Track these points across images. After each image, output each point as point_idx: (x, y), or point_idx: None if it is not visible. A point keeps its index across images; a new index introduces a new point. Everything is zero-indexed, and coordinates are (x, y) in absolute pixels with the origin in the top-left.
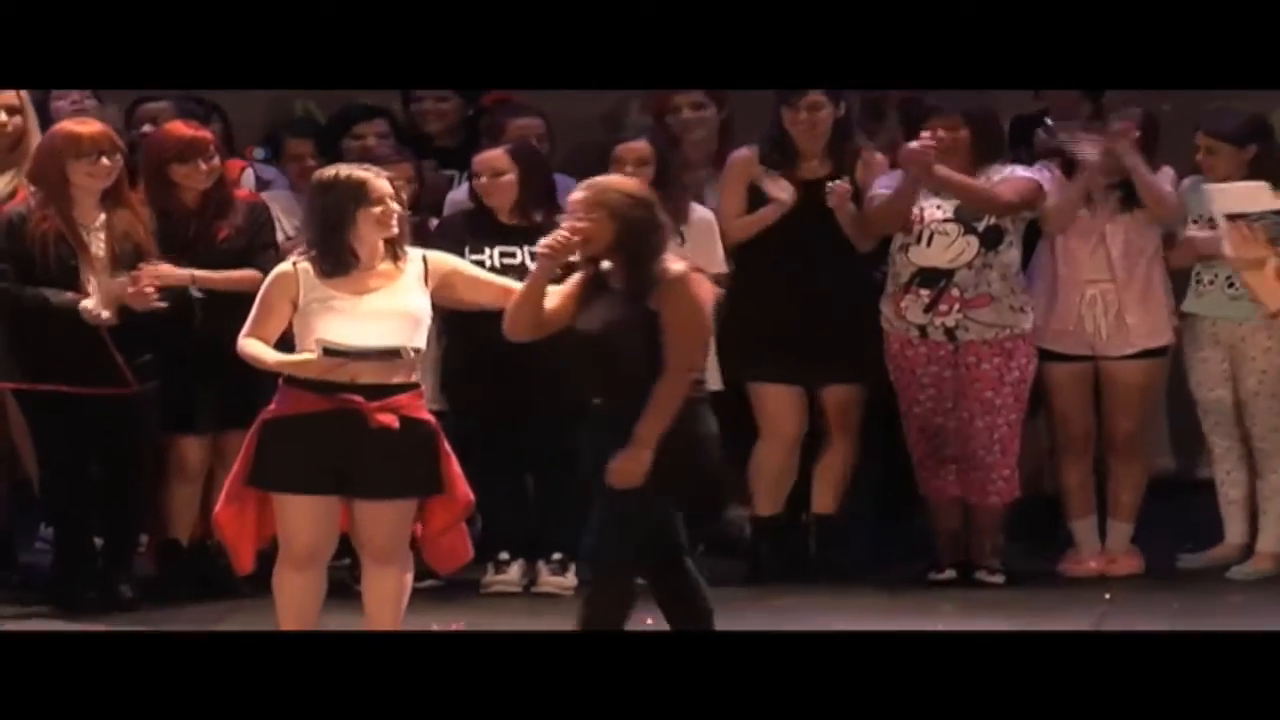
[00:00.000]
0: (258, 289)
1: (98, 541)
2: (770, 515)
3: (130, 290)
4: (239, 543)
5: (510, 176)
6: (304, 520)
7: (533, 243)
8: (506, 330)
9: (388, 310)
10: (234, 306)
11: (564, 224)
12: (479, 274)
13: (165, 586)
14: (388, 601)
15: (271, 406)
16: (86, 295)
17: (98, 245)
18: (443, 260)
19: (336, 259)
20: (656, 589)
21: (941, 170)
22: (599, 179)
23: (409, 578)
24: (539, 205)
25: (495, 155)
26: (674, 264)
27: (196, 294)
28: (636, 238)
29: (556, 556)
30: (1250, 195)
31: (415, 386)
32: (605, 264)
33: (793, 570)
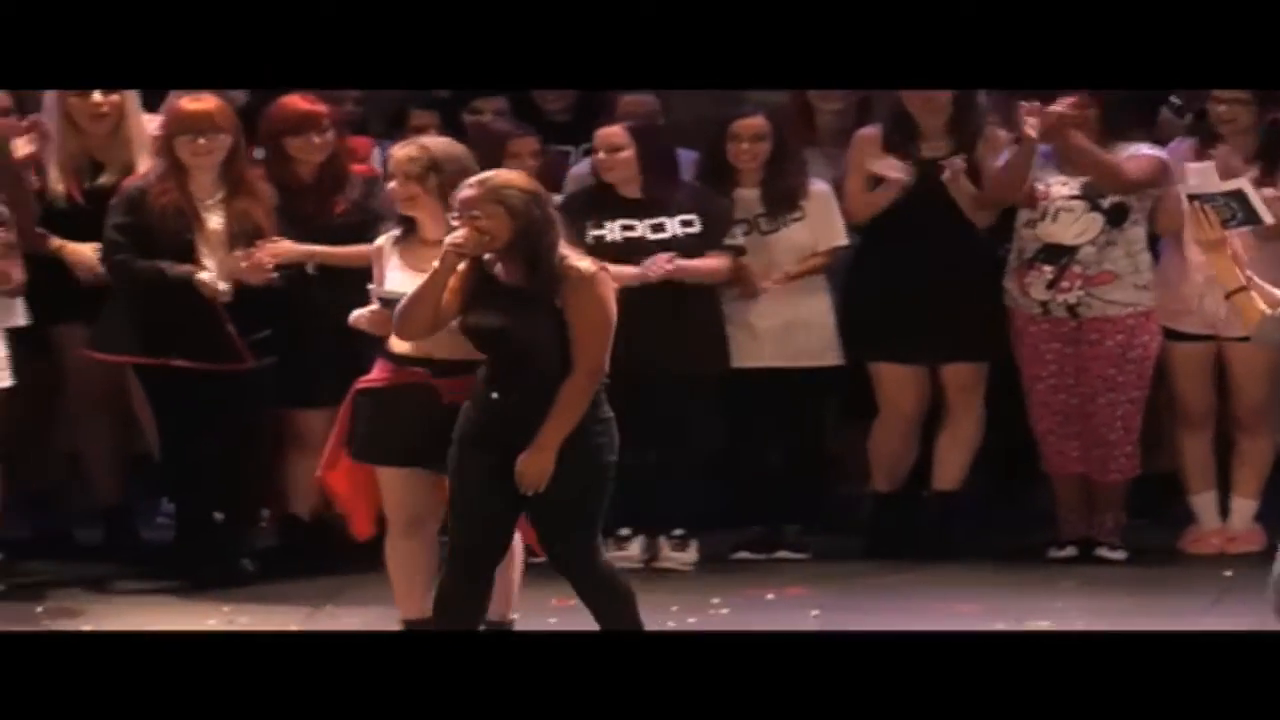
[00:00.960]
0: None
1: (218, 516)
2: (889, 492)
3: (245, 264)
4: (354, 506)
5: (628, 152)
6: (401, 490)
7: (653, 216)
8: (399, 329)
9: None
10: (351, 280)
11: (462, 221)
12: None
13: (286, 560)
14: (499, 573)
15: (367, 375)
16: (204, 269)
17: (215, 221)
18: None
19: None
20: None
21: (1077, 138)
22: (490, 174)
23: (518, 554)
24: (659, 179)
25: (614, 131)
26: (579, 261)
27: (311, 269)
28: (534, 234)
29: (678, 532)
30: (1205, 176)
31: None
32: (487, 258)
33: (912, 547)
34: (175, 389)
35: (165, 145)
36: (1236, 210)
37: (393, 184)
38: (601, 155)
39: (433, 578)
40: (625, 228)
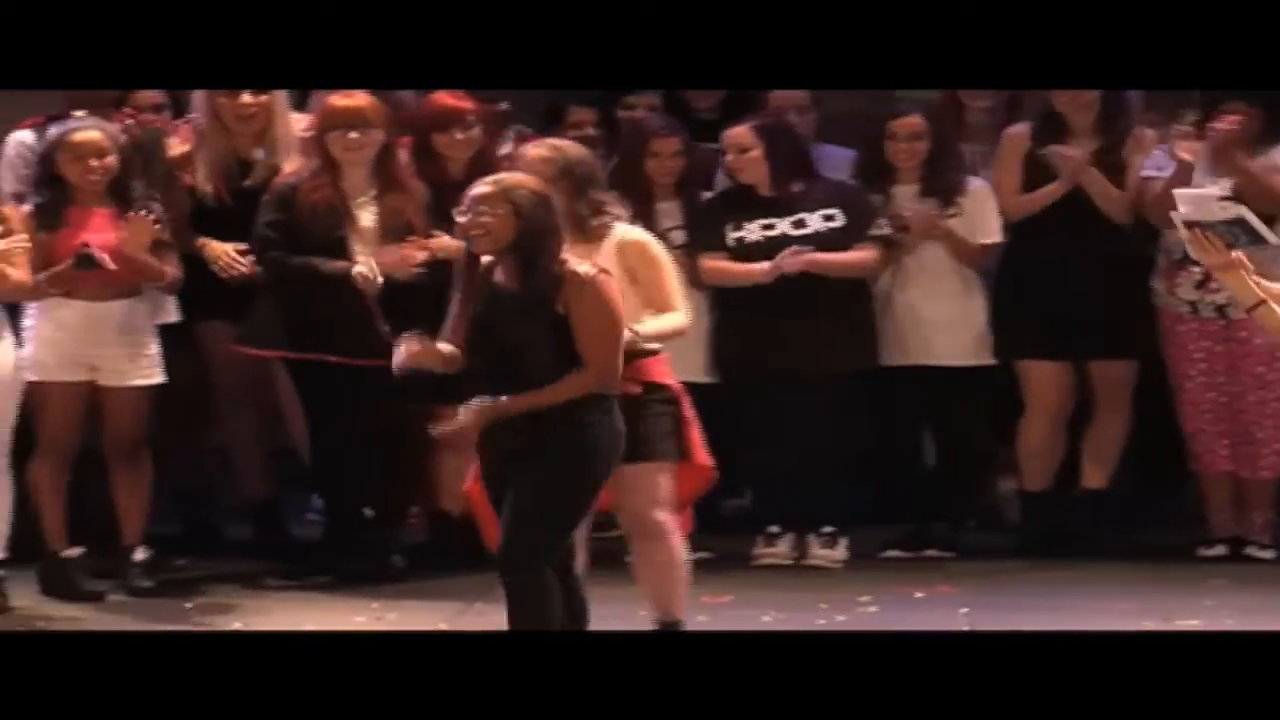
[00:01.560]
0: None
1: (368, 512)
2: (1038, 490)
3: (395, 256)
4: (488, 519)
5: (756, 152)
6: None
7: (793, 213)
8: None
9: None
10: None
11: (470, 218)
12: (653, 283)
13: (436, 557)
14: (658, 573)
15: None
16: (359, 264)
17: (367, 218)
18: (633, 247)
19: None
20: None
21: (1242, 161)
22: (504, 175)
23: (678, 549)
24: (792, 176)
25: (739, 132)
26: (579, 265)
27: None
28: (536, 237)
29: (827, 530)
30: (1202, 204)
31: (654, 353)
32: (486, 261)
33: (1061, 544)
34: (325, 385)
35: (317, 142)
36: (1240, 235)
37: None
38: (730, 156)
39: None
40: (765, 227)
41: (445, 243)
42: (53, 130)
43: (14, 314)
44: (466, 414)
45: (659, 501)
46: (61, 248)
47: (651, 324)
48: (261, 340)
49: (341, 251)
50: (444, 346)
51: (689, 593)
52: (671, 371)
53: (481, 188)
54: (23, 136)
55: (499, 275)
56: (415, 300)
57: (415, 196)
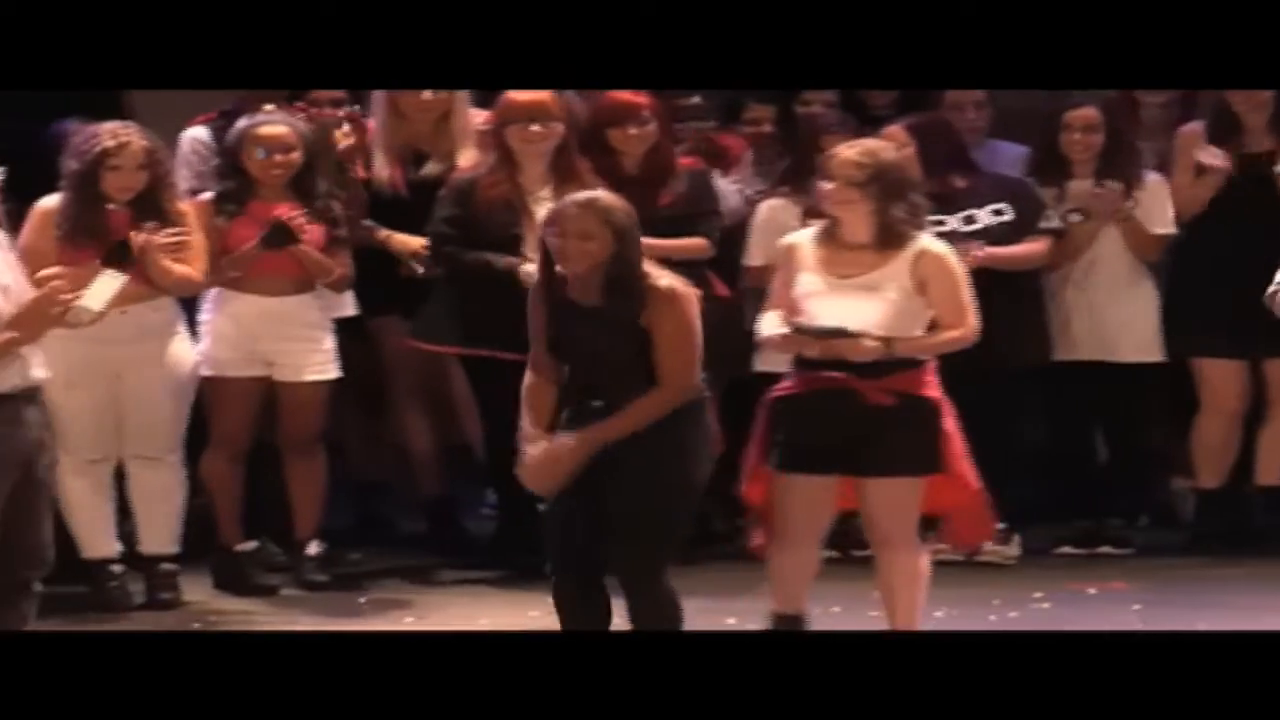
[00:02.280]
0: (701, 256)
1: (541, 507)
2: (1213, 487)
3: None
4: (768, 519)
5: (909, 150)
6: (800, 500)
7: (961, 208)
8: None
9: (859, 294)
10: (677, 273)
11: (565, 238)
12: (944, 297)
13: None
14: (898, 586)
15: (780, 385)
16: (529, 261)
17: (543, 213)
18: (931, 258)
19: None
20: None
21: None
22: (596, 195)
23: (921, 562)
24: (952, 172)
25: (893, 131)
26: (661, 279)
27: None
28: (628, 256)
29: (1000, 526)
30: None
31: (918, 364)
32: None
33: (1235, 542)
34: (499, 381)
35: (496, 135)
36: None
37: (830, 185)
38: None
39: (808, 590)
40: (935, 224)
41: None
42: (241, 122)
43: (189, 310)
44: (561, 449)
45: (901, 514)
46: (240, 237)
47: (932, 335)
48: (435, 336)
49: (517, 247)
50: (561, 442)
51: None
52: (937, 383)
53: (574, 209)
54: (196, 133)
55: (574, 290)
56: None
57: None
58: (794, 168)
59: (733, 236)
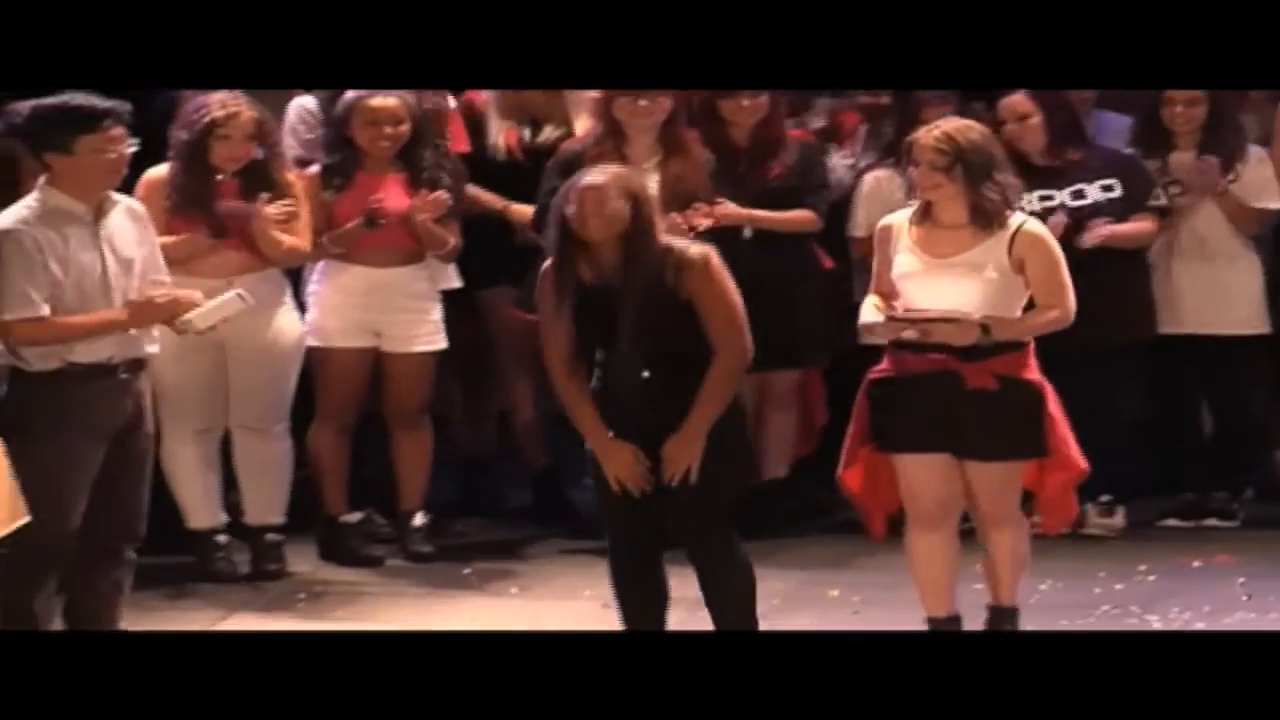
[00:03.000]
0: (808, 229)
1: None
2: None
3: (679, 219)
4: (869, 507)
5: (1036, 119)
6: (923, 479)
7: (1071, 183)
8: None
9: (957, 274)
10: (786, 245)
11: (590, 207)
12: (1042, 277)
13: None
14: (1002, 562)
15: (879, 366)
16: None
17: (650, 185)
18: (1029, 238)
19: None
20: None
21: None
22: (615, 167)
23: (1023, 543)
24: (1068, 144)
25: (1018, 99)
26: (689, 249)
27: (746, 233)
28: (647, 225)
29: (1105, 498)
30: None
31: (1020, 347)
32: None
33: None
34: None
35: (604, 107)
36: None
37: (917, 170)
38: (1010, 125)
39: (958, 572)
40: (1044, 198)
41: (728, 210)
42: (349, 94)
43: (296, 281)
44: (678, 452)
45: (1005, 495)
46: (346, 210)
47: (1029, 317)
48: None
49: None
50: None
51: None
52: (1036, 366)
53: (596, 178)
54: (304, 102)
55: (593, 269)
56: None
57: (698, 163)
58: (897, 140)
59: (841, 210)
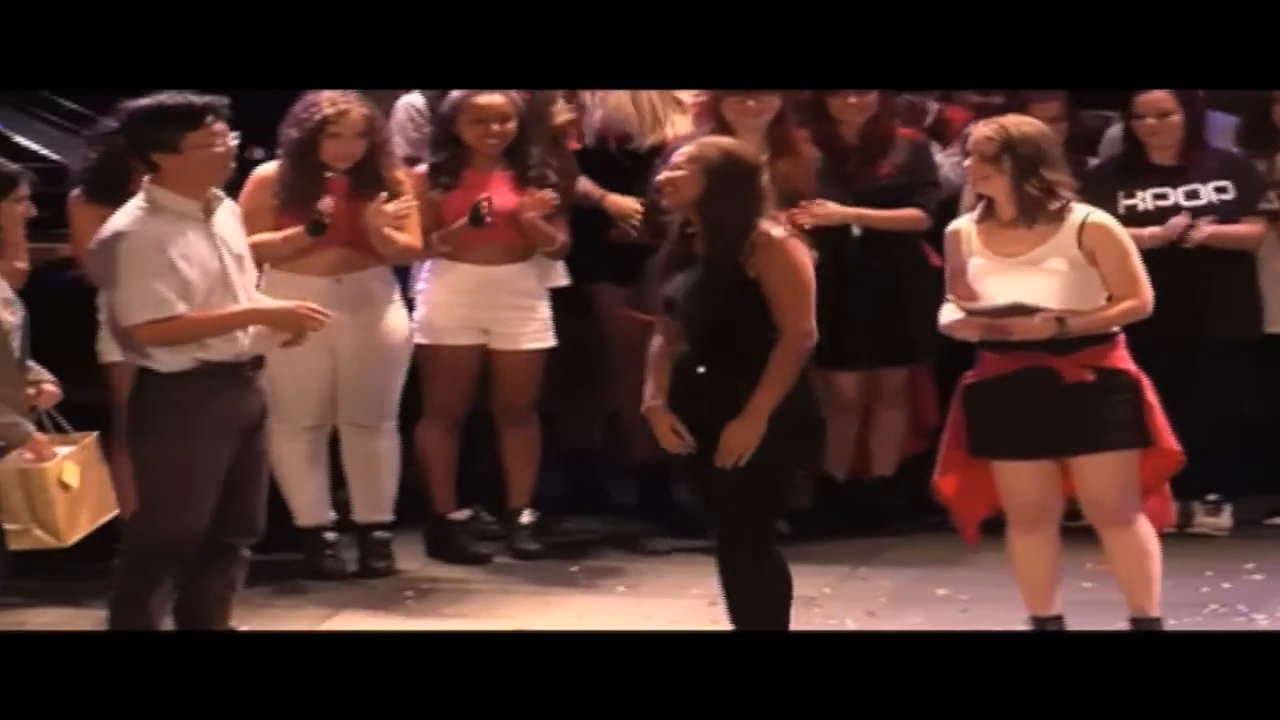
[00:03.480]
0: (917, 228)
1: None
2: None
3: (784, 217)
4: (964, 513)
5: (1177, 117)
6: (1022, 482)
7: (1186, 182)
8: None
9: (1026, 270)
10: (893, 244)
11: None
12: (1113, 268)
13: (819, 520)
14: (1129, 563)
15: (971, 371)
16: None
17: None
18: (1096, 229)
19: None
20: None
21: None
22: (706, 138)
23: (1147, 539)
24: (1194, 144)
25: (1161, 96)
26: (771, 228)
27: (856, 231)
28: (721, 197)
29: (1212, 497)
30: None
31: (1109, 339)
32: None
33: None
34: None
35: (712, 107)
36: None
37: (969, 161)
38: (1150, 120)
39: (1056, 575)
40: (1158, 196)
41: (833, 210)
42: (455, 92)
43: (404, 279)
44: (736, 434)
45: (1121, 490)
46: (454, 209)
47: (1106, 309)
48: (651, 304)
49: None
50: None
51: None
52: (1129, 355)
53: (681, 147)
54: (413, 99)
55: (696, 244)
56: None
57: (806, 161)
58: None
59: (950, 209)
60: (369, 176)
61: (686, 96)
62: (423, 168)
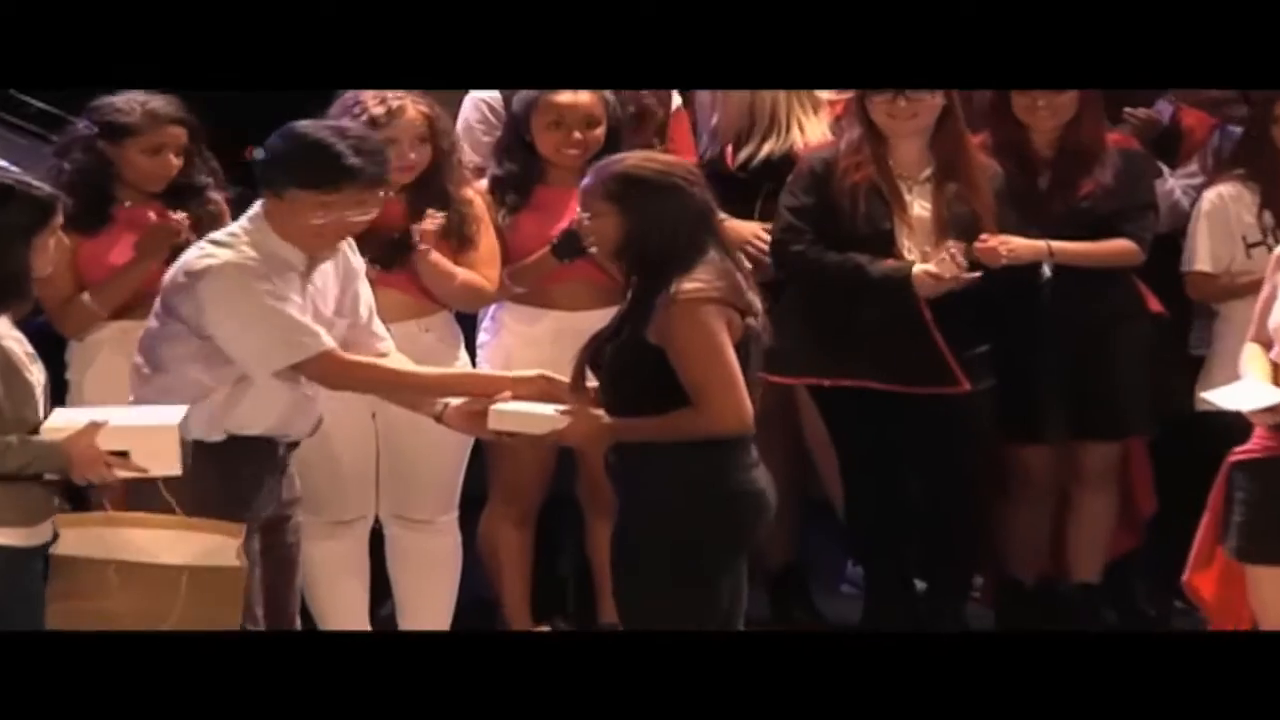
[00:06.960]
0: (1129, 264)
1: (920, 584)
2: None
3: (954, 250)
4: (1226, 620)
5: None
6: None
7: None
8: None
9: None
10: (1093, 285)
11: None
12: None
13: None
14: None
15: (1246, 445)
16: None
17: (920, 206)
18: None
19: None
20: None
21: None
22: (623, 157)
23: None
24: None
25: None
26: (686, 283)
27: (1047, 270)
28: (645, 241)
29: None
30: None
31: None
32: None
33: None
34: (864, 419)
35: (859, 107)
36: None
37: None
38: None
39: None
40: None
41: (1019, 246)
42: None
43: (467, 328)
44: (577, 425)
45: None
46: (522, 235)
47: None
48: (782, 362)
49: (888, 246)
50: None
51: None
52: None
53: (588, 177)
54: (484, 94)
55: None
56: (984, 311)
57: (983, 179)
58: (1248, 143)
59: (1172, 247)
60: (431, 194)
61: (827, 95)
62: (481, 184)
